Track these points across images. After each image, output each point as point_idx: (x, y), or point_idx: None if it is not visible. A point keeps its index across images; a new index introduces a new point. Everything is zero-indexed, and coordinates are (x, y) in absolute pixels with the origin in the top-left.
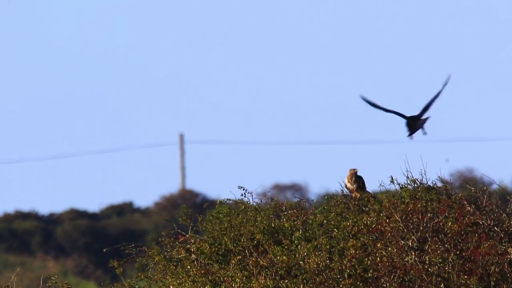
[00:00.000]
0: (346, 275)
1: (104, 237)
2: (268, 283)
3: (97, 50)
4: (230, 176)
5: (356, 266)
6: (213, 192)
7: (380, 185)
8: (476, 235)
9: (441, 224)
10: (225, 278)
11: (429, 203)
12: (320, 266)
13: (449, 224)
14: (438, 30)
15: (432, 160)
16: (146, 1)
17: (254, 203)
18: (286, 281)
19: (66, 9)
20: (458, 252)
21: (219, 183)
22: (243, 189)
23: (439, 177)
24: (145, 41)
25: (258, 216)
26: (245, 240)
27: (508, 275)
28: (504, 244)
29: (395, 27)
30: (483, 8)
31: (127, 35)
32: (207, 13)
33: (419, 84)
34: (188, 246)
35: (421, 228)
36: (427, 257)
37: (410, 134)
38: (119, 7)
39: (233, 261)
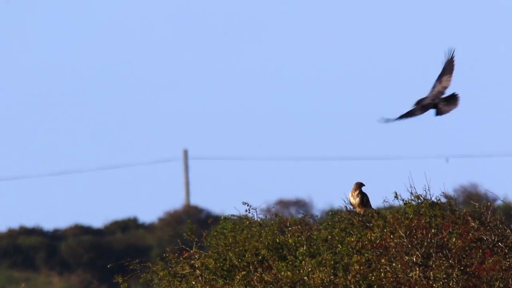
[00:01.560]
0: None
1: (109, 253)
2: None
3: (101, 64)
4: (235, 192)
5: (361, 282)
6: (218, 208)
7: (384, 201)
8: (481, 250)
9: (445, 239)
10: None
11: (433, 219)
12: (325, 281)
13: (453, 239)
14: (443, 39)
15: (436, 176)
16: (152, 13)
17: (259, 219)
18: None
19: (67, 14)
20: (462, 268)
21: (224, 199)
22: (248, 205)
23: (443, 192)
24: (149, 57)
25: (262, 231)
26: (249, 255)
27: None
28: (508, 260)
29: (399, 41)
30: (497, 18)
31: (131, 50)
32: (213, 26)
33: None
34: (193, 261)
35: (425, 243)
36: (431, 272)
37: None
38: (122, 18)
39: (237, 277)
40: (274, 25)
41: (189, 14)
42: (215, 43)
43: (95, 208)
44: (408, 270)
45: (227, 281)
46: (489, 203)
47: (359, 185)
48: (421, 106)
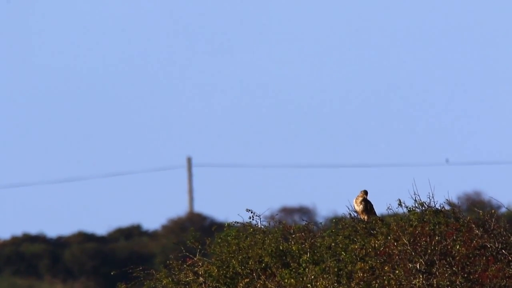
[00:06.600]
0: None
1: (112, 260)
2: None
3: (105, 71)
4: (238, 199)
5: None
6: (221, 215)
7: (388, 208)
8: (484, 258)
9: (449, 247)
10: None
11: (437, 226)
12: None
13: (457, 247)
14: (455, 50)
15: (440, 183)
16: (157, 20)
17: (262, 226)
18: None
19: (68, 14)
20: (466, 275)
21: (227, 206)
22: (251, 212)
23: (447, 200)
24: (154, 64)
25: (266, 238)
26: (253, 262)
27: None
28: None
29: (412, 49)
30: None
31: (135, 57)
32: (219, 33)
33: (434, 110)
34: (196, 269)
35: (429, 251)
36: (435, 280)
37: None
38: (126, 23)
39: (241, 284)
40: (281, 31)
41: (194, 21)
42: (220, 51)
43: (98, 215)
44: (412, 278)
45: None
46: (493, 211)
47: (364, 193)
48: None
